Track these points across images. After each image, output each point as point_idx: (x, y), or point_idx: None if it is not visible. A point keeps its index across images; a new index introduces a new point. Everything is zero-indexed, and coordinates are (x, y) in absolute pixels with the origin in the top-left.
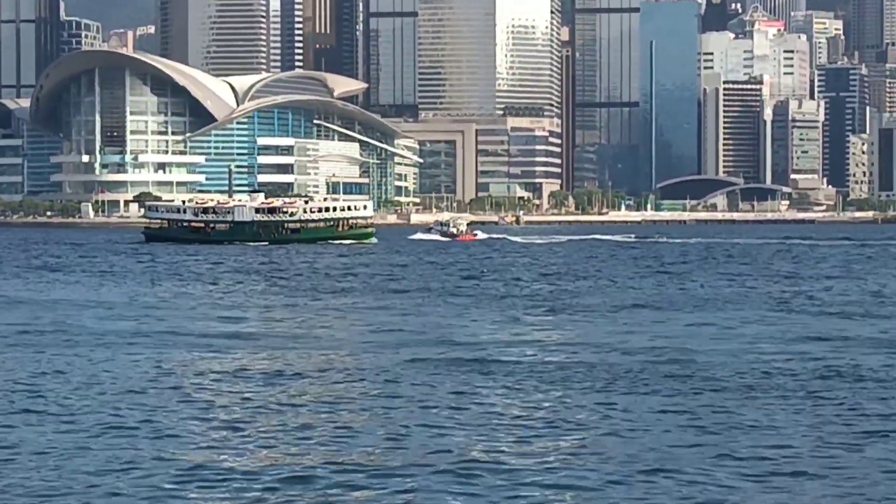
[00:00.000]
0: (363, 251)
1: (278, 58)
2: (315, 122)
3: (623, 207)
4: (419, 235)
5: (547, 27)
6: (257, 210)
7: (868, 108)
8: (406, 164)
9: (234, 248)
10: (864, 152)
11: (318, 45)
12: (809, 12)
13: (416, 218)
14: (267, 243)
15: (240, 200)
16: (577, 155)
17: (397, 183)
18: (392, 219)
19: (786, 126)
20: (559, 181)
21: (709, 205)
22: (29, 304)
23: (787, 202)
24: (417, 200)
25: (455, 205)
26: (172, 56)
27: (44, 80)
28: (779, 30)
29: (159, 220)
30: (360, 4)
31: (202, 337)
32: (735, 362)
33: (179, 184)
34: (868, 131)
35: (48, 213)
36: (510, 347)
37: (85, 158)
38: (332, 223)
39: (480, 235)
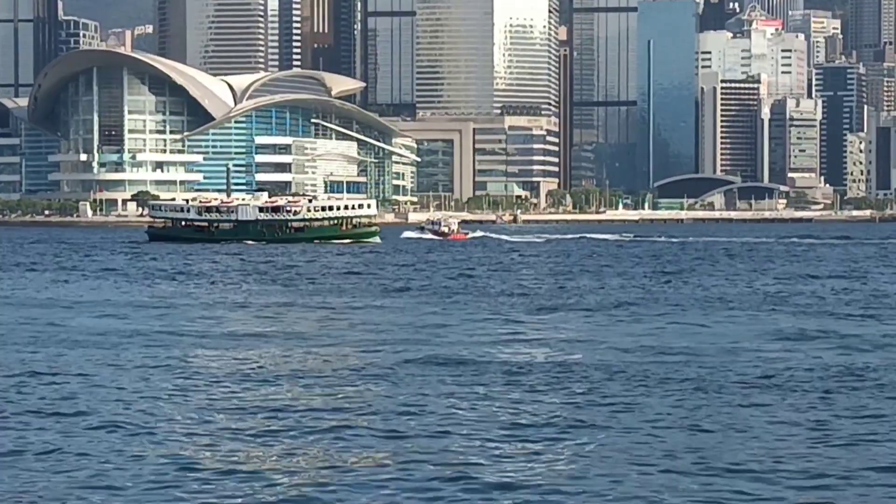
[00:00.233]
0: (367, 250)
1: (276, 57)
2: (313, 121)
3: (621, 206)
4: (410, 234)
5: (545, 26)
6: (261, 209)
7: (866, 106)
8: (404, 163)
9: (239, 247)
10: (861, 151)
11: (315, 45)
12: (807, 11)
13: (413, 217)
14: (270, 242)
15: (244, 199)
16: (575, 154)
17: (395, 182)
18: (390, 218)
19: (783, 125)
20: (557, 180)
21: (706, 203)
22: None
23: (785, 201)
24: (415, 199)
25: (453, 204)
26: (170, 55)
27: (42, 79)
28: (776, 29)
29: (163, 220)
30: (358, 4)
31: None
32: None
33: (177, 183)
34: (865, 130)
35: (46, 212)
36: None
37: (83, 157)
38: (335, 222)
39: (471, 235)
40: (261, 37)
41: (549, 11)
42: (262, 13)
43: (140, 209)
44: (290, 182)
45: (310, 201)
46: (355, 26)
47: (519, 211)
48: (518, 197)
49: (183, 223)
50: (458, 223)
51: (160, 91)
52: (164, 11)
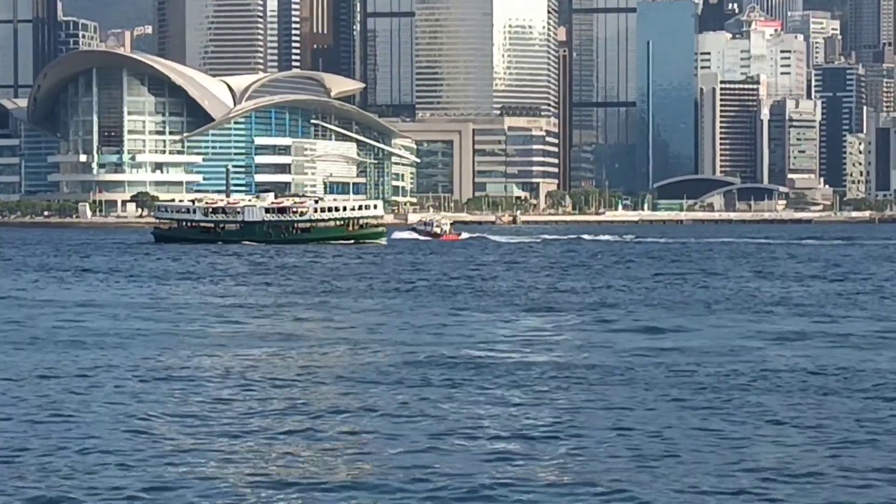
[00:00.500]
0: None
1: (275, 58)
2: (312, 121)
3: (620, 207)
4: (401, 234)
5: (544, 27)
6: (267, 210)
7: (865, 107)
8: (403, 164)
9: (246, 247)
10: (860, 152)
11: (315, 45)
12: (806, 12)
13: (413, 217)
14: (276, 243)
15: (250, 200)
16: (574, 155)
17: (394, 183)
18: (389, 218)
19: (783, 126)
20: (556, 181)
21: (706, 204)
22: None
23: (784, 202)
24: (415, 200)
25: (452, 205)
26: (170, 56)
27: (41, 80)
28: (776, 30)
29: (168, 221)
30: (358, 5)
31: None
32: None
33: (177, 184)
34: (865, 131)
35: (45, 213)
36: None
37: (82, 158)
38: (342, 223)
39: (464, 235)
40: (260, 37)
41: (549, 12)
42: (261, 14)
43: (139, 210)
44: (289, 183)
45: (316, 202)
46: (355, 27)
47: (518, 212)
48: (517, 198)
49: (189, 224)
50: (451, 224)
51: (160, 92)
52: (163, 12)
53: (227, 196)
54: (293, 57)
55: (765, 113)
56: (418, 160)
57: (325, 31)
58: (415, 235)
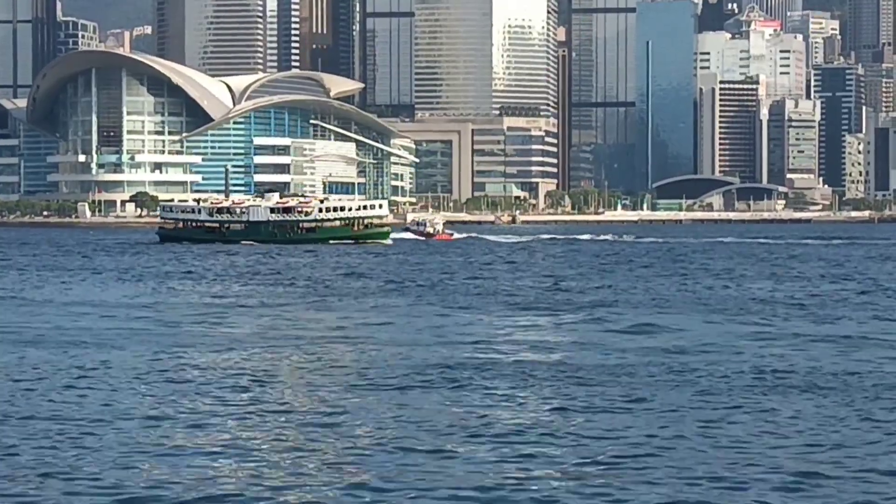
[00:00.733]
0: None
1: (275, 58)
2: (311, 122)
3: (619, 207)
4: (396, 235)
5: (543, 27)
6: (272, 210)
7: (864, 107)
8: (402, 164)
9: (251, 247)
10: (860, 152)
11: (314, 46)
12: (806, 12)
13: (412, 217)
14: (281, 243)
15: (255, 200)
16: (574, 155)
17: (394, 183)
18: (389, 219)
19: (782, 126)
20: (555, 181)
21: (705, 204)
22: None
23: (784, 202)
24: (414, 200)
25: (451, 204)
26: (169, 56)
27: (40, 80)
28: (775, 30)
29: (173, 221)
30: (357, 4)
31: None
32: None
33: (176, 184)
34: (864, 131)
35: (45, 213)
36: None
37: (81, 158)
38: (347, 223)
39: (456, 235)
40: (259, 38)
41: (548, 12)
42: (260, 14)
43: (138, 210)
44: (288, 183)
45: (321, 202)
46: (354, 27)
47: (517, 212)
48: (517, 198)
49: (194, 224)
50: (443, 224)
51: (159, 92)
52: (162, 12)
53: (227, 196)
54: (292, 57)
55: (764, 113)
56: (417, 160)
57: (325, 32)
58: (408, 235)
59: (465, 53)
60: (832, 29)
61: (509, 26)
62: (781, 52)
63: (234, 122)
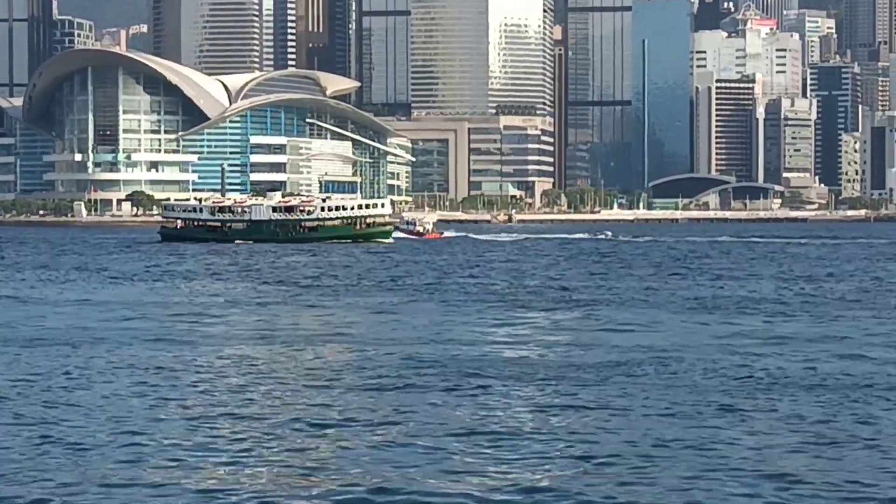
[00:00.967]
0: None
1: (271, 56)
2: (308, 120)
3: (615, 206)
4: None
5: (539, 26)
6: (274, 209)
7: (860, 106)
8: (399, 163)
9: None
10: (856, 151)
11: (310, 44)
12: (802, 11)
13: (415, 216)
14: (283, 242)
15: (257, 199)
16: (570, 153)
17: (390, 181)
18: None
19: (778, 124)
20: (552, 180)
21: (701, 203)
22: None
23: (780, 200)
24: (410, 199)
25: (447, 203)
26: (165, 55)
27: (36, 78)
28: (771, 28)
29: (175, 220)
30: (353, 3)
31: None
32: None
33: (172, 182)
34: (860, 130)
35: (41, 212)
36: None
37: (78, 157)
38: (349, 222)
39: (446, 234)
40: (255, 36)
41: (544, 11)
42: (256, 12)
43: (135, 209)
44: (284, 182)
45: (323, 201)
46: (350, 26)
47: (514, 211)
48: (513, 197)
49: (196, 223)
50: (434, 223)
51: (155, 91)
52: (158, 11)
53: (223, 195)
54: (289, 56)
55: (760, 112)
56: (414, 159)
57: (321, 30)
58: (397, 234)
59: (461, 52)
60: (828, 27)
61: (505, 25)
62: (777, 50)
63: (231, 121)
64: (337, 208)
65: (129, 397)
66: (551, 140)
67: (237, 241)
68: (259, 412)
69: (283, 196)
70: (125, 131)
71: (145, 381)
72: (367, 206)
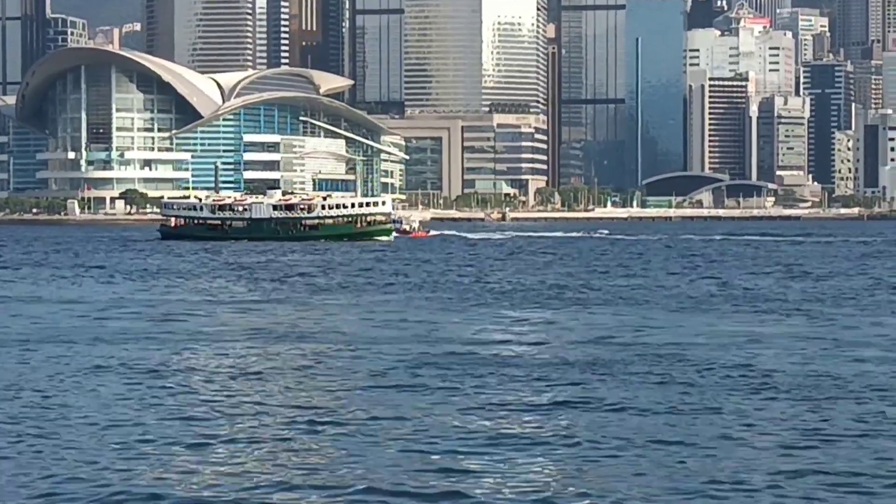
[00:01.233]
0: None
1: (264, 55)
2: (301, 118)
3: (609, 204)
4: None
5: (533, 24)
6: (275, 207)
7: (853, 104)
8: (392, 161)
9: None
10: (849, 149)
11: (304, 42)
12: (795, 9)
13: (402, 215)
14: (284, 240)
15: (258, 197)
16: (564, 151)
17: (383, 180)
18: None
19: (771, 122)
20: (545, 178)
21: (694, 201)
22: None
23: (773, 198)
24: (404, 197)
25: (441, 201)
26: (158, 53)
27: (30, 77)
28: (764, 27)
29: (175, 218)
30: (347, 1)
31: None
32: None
33: (165, 181)
34: (853, 128)
35: (34, 211)
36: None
37: (71, 155)
38: (350, 220)
39: (433, 232)
40: (249, 34)
41: (538, 9)
42: (250, 11)
43: (128, 207)
44: (278, 180)
45: (324, 199)
46: (343, 24)
47: (507, 209)
48: (507, 195)
49: (196, 221)
50: (420, 221)
51: (148, 89)
52: (151, 9)
53: (217, 193)
54: (282, 54)
55: (753, 110)
56: (407, 157)
57: (314, 28)
58: None
59: (454, 50)
60: (821, 26)
61: (499, 23)
62: (771, 49)
63: (224, 119)
64: (338, 206)
65: (128, 397)
66: (545, 138)
67: (227, 241)
68: (257, 411)
69: (284, 194)
70: (118, 129)
71: (142, 382)
72: (368, 205)
